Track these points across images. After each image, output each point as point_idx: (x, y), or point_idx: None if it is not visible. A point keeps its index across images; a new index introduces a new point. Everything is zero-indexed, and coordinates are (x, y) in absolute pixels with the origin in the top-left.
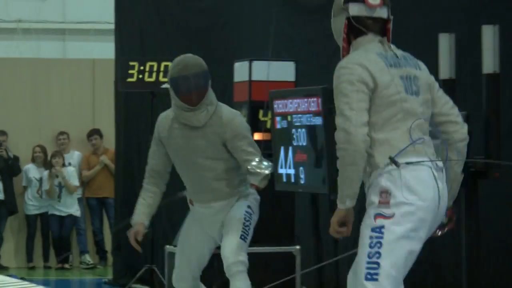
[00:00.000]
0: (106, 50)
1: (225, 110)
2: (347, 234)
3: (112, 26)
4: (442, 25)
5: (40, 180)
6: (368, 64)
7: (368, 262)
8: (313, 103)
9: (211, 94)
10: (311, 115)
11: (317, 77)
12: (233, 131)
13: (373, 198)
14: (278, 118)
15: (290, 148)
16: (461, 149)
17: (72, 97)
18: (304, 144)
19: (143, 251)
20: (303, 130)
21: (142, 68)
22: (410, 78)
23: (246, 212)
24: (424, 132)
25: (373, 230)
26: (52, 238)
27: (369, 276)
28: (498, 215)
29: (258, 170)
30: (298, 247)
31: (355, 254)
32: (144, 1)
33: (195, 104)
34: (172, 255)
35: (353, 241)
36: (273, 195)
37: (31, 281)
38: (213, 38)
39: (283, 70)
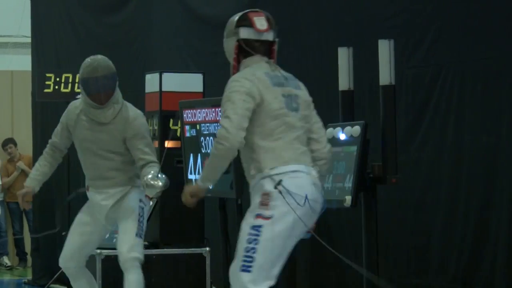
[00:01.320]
0: (24, 62)
1: (130, 110)
2: (193, 206)
3: (29, 40)
4: (341, 40)
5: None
6: (256, 81)
7: (245, 256)
8: (220, 113)
9: (117, 94)
10: (219, 124)
11: (223, 88)
12: (134, 130)
13: (256, 199)
14: (187, 127)
15: (199, 155)
16: (321, 167)
17: None
18: None
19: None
20: (211, 138)
21: (58, 79)
22: (291, 96)
23: (139, 206)
24: (302, 143)
25: (252, 228)
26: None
27: (244, 268)
28: (394, 218)
29: (154, 183)
30: (207, 248)
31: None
32: (59, 15)
33: (103, 103)
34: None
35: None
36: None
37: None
38: (125, 50)
39: (191, 82)
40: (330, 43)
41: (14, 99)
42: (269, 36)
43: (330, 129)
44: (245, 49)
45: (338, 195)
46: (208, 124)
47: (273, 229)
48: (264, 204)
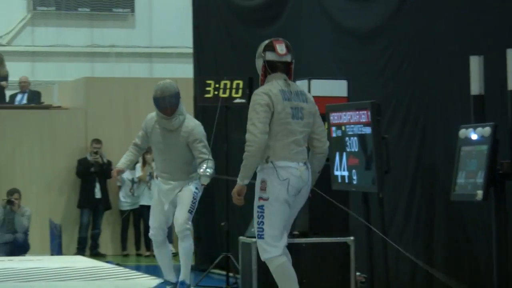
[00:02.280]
0: (187, 70)
1: (191, 121)
2: (242, 203)
3: (191, 50)
4: (473, 49)
5: (132, 181)
6: (272, 95)
7: (258, 228)
8: (363, 115)
9: (181, 107)
10: (362, 125)
11: (365, 93)
12: (195, 136)
13: (257, 184)
14: (333, 128)
15: (344, 154)
16: (320, 158)
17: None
18: (356, 150)
19: (220, 240)
20: (355, 138)
21: (217, 85)
22: (297, 108)
23: (195, 192)
24: (298, 145)
25: (258, 207)
26: (144, 227)
27: (259, 236)
28: None
29: (208, 173)
30: (352, 237)
31: (402, 245)
32: (217, 28)
33: (169, 115)
34: (244, 245)
35: (400, 233)
36: (330, 193)
37: (125, 266)
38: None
39: (337, 87)
40: (463, 53)
41: None
42: (288, 58)
43: (463, 130)
44: (270, 68)
45: (470, 190)
46: (353, 126)
47: (271, 207)
48: (262, 189)
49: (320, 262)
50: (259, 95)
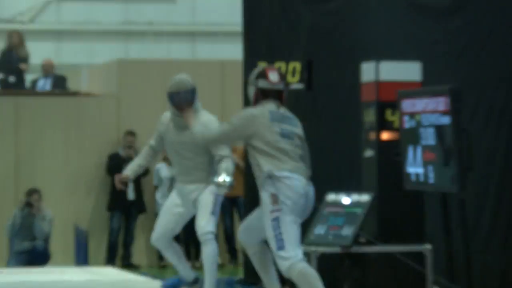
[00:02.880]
0: (235, 51)
1: (205, 116)
2: None
3: (240, 28)
4: None
5: (171, 179)
6: (258, 116)
7: (276, 239)
8: (441, 103)
9: (197, 105)
10: (439, 114)
11: (442, 77)
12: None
13: (266, 199)
14: (406, 118)
15: (419, 148)
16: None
17: (202, 98)
18: (432, 143)
19: None
20: (431, 129)
21: None
22: (287, 129)
23: (216, 194)
24: (294, 160)
25: (272, 221)
26: (186, 233)
27: (279, 248)
28: None
29: (226, 183)
30: (428, 246)
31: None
32: (271, 3)
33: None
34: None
35: (486, 241)
36: (402, 194)
37: (162, 280)
38: (339, 39)
39: (409, 71)
40: None
41: (225, 90)
42: (280, 86)
43: None
44: (261, 95)
45: None
46: (429, 115)
47: (285, 218)
48: (273, 203)
49: (391, 275)
50: (246, 113)
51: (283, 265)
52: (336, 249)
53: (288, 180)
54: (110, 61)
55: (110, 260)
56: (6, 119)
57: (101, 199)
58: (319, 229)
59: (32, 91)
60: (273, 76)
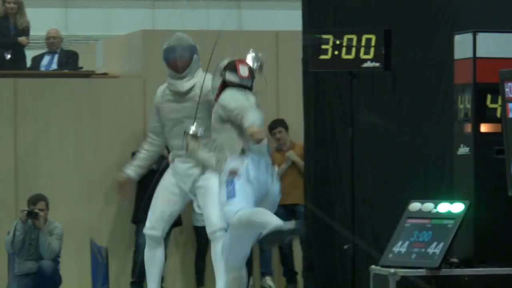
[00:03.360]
0: (291, 20)
1: (208, 78)
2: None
3: None
4: None
5: None
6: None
7: (227, 191)
8: None
9: (195, 67)
10: None
11: None
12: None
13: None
14: (510, 105)
15: None
16: None
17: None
18: None
19: (341, 270)
20: None
21: (338, 42)
22: None
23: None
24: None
25: (227, 182)
26: None
27: (230, 196)
28: None
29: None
30: None
31: None
32: None
33: (179, 71)
34: (378, 277)
35: None
36: (505, 201)
37: None
38: (428, 5)
39: None
40: None
41: (279, 68)
42: (248, 83)
43: None
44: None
45: None
46: None
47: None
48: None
49: None
50: (240, 91)
51: (232, 211)
52: (421, 272)
53: (256, 159)
54: (133, 32)
55: (137, 284)
56: (2, 106)
57: (124, 209)
58: (399, 247)
59: (34, 72)
60: (243, 71)
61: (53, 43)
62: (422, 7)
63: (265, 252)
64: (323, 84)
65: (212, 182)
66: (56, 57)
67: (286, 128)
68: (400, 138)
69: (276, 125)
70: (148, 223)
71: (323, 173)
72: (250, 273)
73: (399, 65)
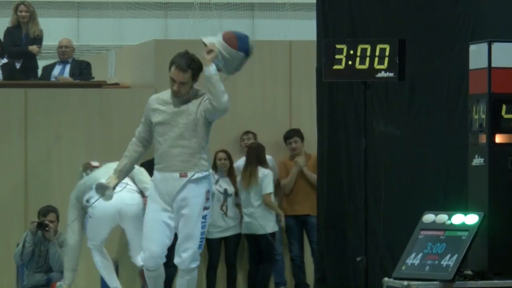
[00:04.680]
0: (305, 29)
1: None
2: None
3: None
4: None
5: (225, 193)
6: None
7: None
8: None
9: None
10: None
11: None
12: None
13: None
14: None
15: None
16: None
17: (263, 87)
18: None
19: (354, 282)
20: None
21: (352, 52)
22: None
23: (205, 204)
24: None
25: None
26: (245, 265)
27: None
28: None
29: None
30: None
31: None
32: None
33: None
34: None
35: None
36: None
37: None
38: (444, 13)
39: None
40: None
41: (292, 78)
42: None
43: None
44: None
45: None
46: None
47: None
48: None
49: None
50: None
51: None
52: (434, 284)
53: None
54: (144, 42)
55: None
56: (12, 117)
57: None
58: (413, 259)
59: (46, 82)
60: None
61: (65, 52)
62: (440, 16)
63: (278, 262)
64: (337, 94)
65: (193, 202)
66: (68, 67)
67: (302, 138)
68: (417, 149)
69: (292, 135)
70: (148, 258)
71: (337, 184)
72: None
73: (417, 74)
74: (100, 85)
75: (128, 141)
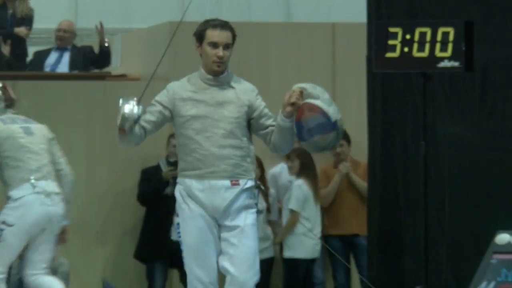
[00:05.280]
0: (351, 10)
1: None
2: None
3: None
4: None
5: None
6: None
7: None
8: None
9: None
10: None
11: None
12: (259, 101)
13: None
14: None
15: None
16: None
17: (301, 79)
18: None
19: None
20: None
21: (408, 37)
22: None
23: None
24: None
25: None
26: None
27: None
28: None
29: None
30: None
31: None
32: None
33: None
34: None
35: None
36: None
37: None
38: None
39: None
40: None
41: (336, 68)
42: None
43: None
44: None
45: None
46: None
47: None
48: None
49: None
50: None
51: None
52: None
53: None
54: (157, 25)
55: None
56: None
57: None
58: (484, 287)
59: (38, 73)
60: None
61: (63, 37)
62: None
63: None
64: (392, 87)
65: (245, 221)
66: (67, 54)
67: (349, 141)
68: (490, 154)
69: None
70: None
71: (391, 197)
72: None
73: (490, 64)
74: (103, 77)
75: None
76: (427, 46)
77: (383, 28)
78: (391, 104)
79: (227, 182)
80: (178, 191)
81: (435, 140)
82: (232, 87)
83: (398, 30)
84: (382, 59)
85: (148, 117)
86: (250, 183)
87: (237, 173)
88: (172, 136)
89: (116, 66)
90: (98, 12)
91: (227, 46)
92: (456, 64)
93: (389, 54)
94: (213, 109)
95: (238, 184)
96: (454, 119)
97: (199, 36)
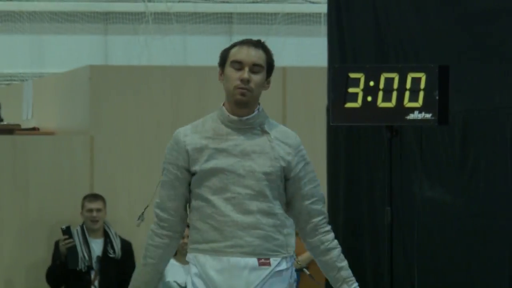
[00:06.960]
0: (305, 49)
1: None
2: None
3: (323, 9)
4: None
5: None
6: None
7: None
8: None
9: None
10: None
11: None
12: (302, 152)
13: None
14: None
15: None
16: None
17: None
18: None
19: None
20: None
21: (372, 84)
22: None
23: None
24: None
25: None
26: None
27: None
28: None
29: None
30: None
31: None
32: None
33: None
34: None
35: None
36: None
37: None
38: (498, 29)
39: None
40: None
41: (288, 115)
42: None
43: None
44: None
45: None
46: None
47: None
48: None
49: None
50: None
51: None
52: None
53: None
54: (75, 69)
55: None
56: None
57: None
58: None
59: None
60: None
61: None
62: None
63: None
64: (358, 142)
65: None
66: None
67: None
68: (473, 221)
69: None
70: None
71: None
72: None
73: (462, 117)
74: (11, 130)
75: (51, 211)
76: (394, 94)
77: (343, 74)
78: (356, 162)
79: (253, 261)
80: (190, 276)
81: (410, 205)
82: (266, 132)
83: (360, 76)
84: (341, 110)
85: (167, 193)
86: (285, 264)
87: (268, 249)
88: (86, 198)
89: (27, 117)
90: (6, 53)
91: (257, 70)
92: (428, 116)
93: (349, 104)
94: (237, 161)
95: (268, 264)
96: (433, 182)
97: (222, 59)
